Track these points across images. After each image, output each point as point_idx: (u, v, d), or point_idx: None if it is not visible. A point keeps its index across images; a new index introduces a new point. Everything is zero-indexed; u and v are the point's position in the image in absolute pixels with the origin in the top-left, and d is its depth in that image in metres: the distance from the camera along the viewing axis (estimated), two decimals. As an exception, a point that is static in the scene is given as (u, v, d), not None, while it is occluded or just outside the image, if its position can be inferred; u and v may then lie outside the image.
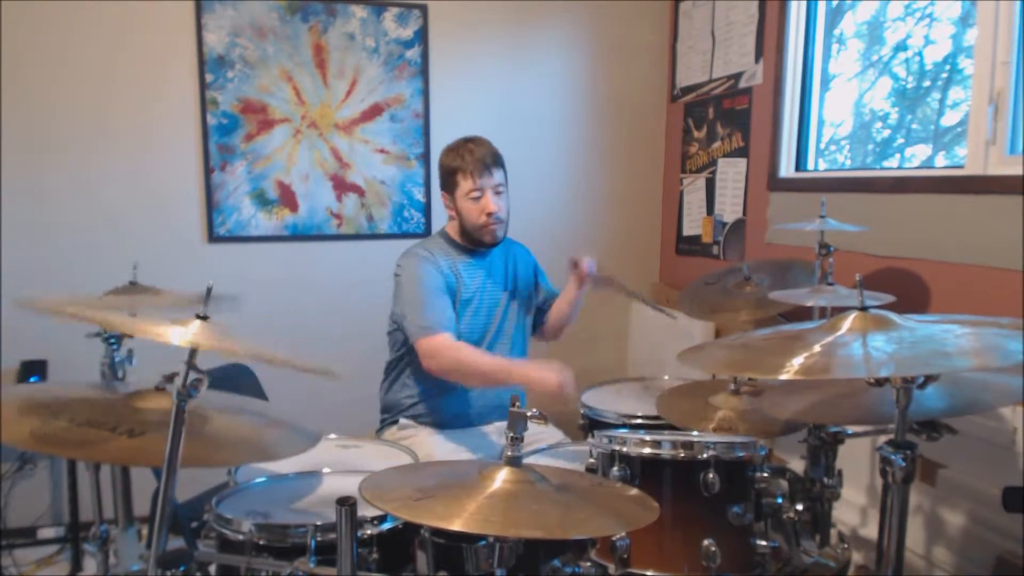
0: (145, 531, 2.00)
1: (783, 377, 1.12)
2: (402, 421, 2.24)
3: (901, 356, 1.14)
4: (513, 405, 1.28)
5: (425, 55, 3.32)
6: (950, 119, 2.45)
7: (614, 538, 1.47)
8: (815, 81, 2.82)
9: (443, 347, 2.04)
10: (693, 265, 3.46)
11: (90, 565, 2.80)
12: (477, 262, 2.26)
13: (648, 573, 1.49)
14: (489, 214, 2.16)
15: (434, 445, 2.15)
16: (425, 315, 2.08)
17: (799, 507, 1.66)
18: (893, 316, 1.24)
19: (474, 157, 2.16)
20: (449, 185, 2.22)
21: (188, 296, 1.88)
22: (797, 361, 1.14)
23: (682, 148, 3.53)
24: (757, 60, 2.97)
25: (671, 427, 1.85)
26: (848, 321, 1.24)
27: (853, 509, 2.28)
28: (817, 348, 1.18)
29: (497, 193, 2.18)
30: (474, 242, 2.23)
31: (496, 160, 2.19)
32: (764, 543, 1.53)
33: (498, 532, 1.17)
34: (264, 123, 3.17)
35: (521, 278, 2.36)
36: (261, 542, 1.44)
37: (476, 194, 2.16)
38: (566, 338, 2.56)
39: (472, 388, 2.22)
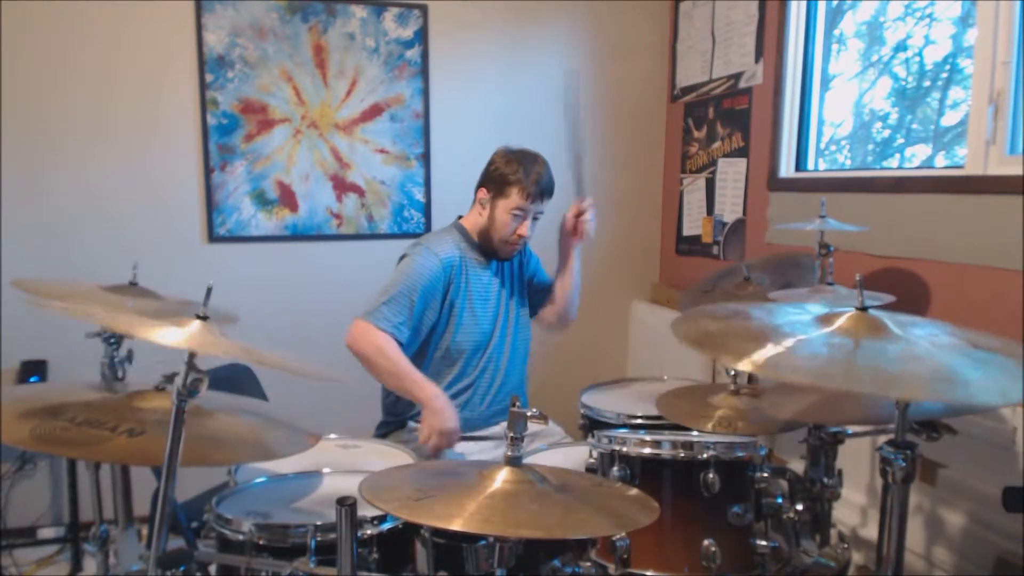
0: (145, 531, 2.00)
1: (748, 369, 1.10)
2: (410, 425, 2.23)
3: (878, 370, 1.11)
4: (513, 405, 1.28)
5: (425, 55, 3.32)
6: (950, 119, 2.45)
7: (614, 538, 1.47)
8: (815, 81, 2.82)
9: (374, 335, 2.04)
10: (693, 265, 3.46)
11: (90, 565, 2.80)
12: (490, 267, 2.26)
13: (648, 573, 1.49)
14: (520, 236, 2.18)
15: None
16: (385, 305, 2.07)
17: (799, 507, 1.66)
18: (888, 322, 1.21)
19: (536, 181, 2.14)
20: (498, 190, 2.17)
21: (187, 303, 1.88)
22: (768, 352, 1.13)
23: (682, 148, 3.53)
24: (757, 60, 2.97)
25: (671, 427, 1.85)
26: (841, 319, 1.22)
27: (853, 509, 2.28)
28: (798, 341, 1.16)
29: (534, 219, 2.20)
30: (488, 247, 2.23)
31: (550, 190, 2.19)
32: (764, 543, 1.53)
33: (498, 532, 1.16)
34: (264, 123, 3.17)
35: (517, 274, 2.37)
36: (261, 542, 1.44)
37: (519, 213, 2.15)
38: (567, 338, 2.55)
39: (477, 391, 2.22)
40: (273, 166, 3.20)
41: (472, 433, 2.20)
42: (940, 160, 2.43)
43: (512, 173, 2.15)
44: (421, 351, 2.19)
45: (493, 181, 2.18)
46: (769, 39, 2.91)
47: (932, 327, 1.26)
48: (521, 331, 2.33)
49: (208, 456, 1.33)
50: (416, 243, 2.22)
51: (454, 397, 2.18)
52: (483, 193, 2.21)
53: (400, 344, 2.08)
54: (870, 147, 2.74)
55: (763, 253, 2.94)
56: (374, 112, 3.29)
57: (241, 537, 1.44)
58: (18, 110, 2.90)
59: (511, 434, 1.27)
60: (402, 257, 2.20)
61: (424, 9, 3.29)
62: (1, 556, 2.87)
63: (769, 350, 1.13)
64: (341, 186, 3.29)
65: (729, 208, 3.19)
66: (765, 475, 1.55)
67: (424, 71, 3.32)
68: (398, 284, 2.10)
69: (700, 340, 1.25)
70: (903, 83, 2.64)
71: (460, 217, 2.31)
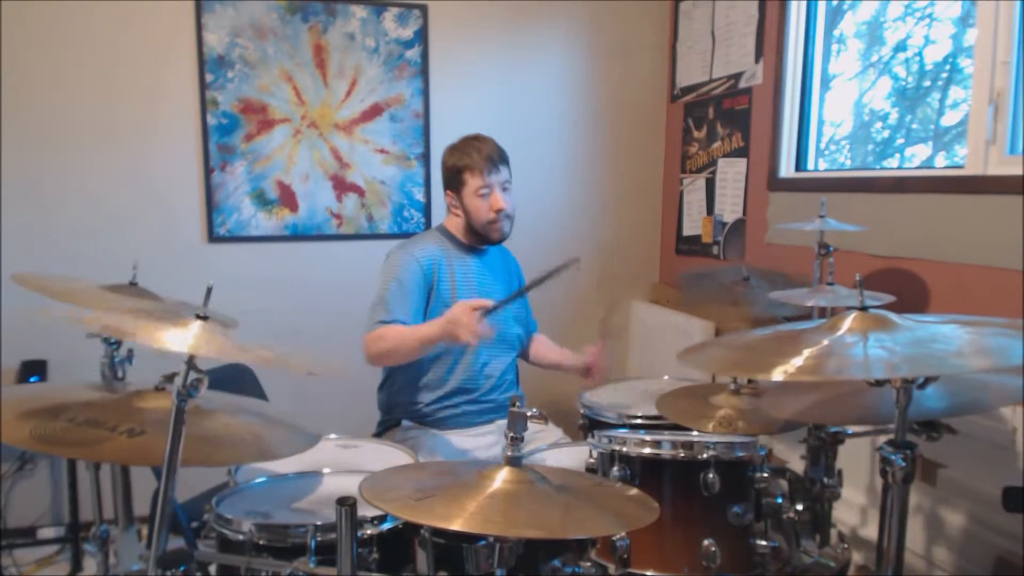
0: (145, 531, 2.00)
1: (781, 378, 1.12)
2: (404, 423, 2.23)
3: (908, 356, 1.13)
4: (513, 405, 1.28)
5: (425, 55, 3.32)
6: (950, 119, 2.45)
7: (614, 538, 1.47)
8: (815, 81, 2.82)
9: (371, 336, 2.01)
10: (693, 265, 3.46)
11: (90, 565, 2.80)
12: (475, 260, 2.26)
13: (648, 573, 1.50)
14: (498, 210, 2.17)
15: (437, 446, 2.14)
16: (377, 308, 2.07)
17: (799, 507, 1.66)
18: (892, 316, 1.24)
19: (481, 155, 2.17)
20: (455, 183, 2.21)
21: (187, 303, 1.88)
22: (797, 361, 1.14)
23: (682, 148, 3.53)
24: (757, 60, 2.97)
25: (671, 427, 1.85)
26: (848, 321, 1.24)
27: (853, 509, 2.28)
28: (819, 348, 1.18)
29: (504, 189, 2.20)
30: (480, 240, 2.23)
31: (502, 157, 2.21)
32: (764, 543, 1.53)
33: (498, 532, 1.17)
34: (264, 123, 3.17)
35: (516, 273, 2.37)
36: (261, 542, 1.44)
37: (484, 191, 2.17)
38: (567, 339, 2.56)
39: (474, 390, 2.21)
40: (273, 166, 3.20)
41: (466, 430, 2.20)
42: (940, 160, 2.43)
43: (457, 161, 2.19)
44: None
45: (448, 179, 2.23)
46: (769, 39, 2.91)
47: (929, 317, 1.28)
48: (510, 336, 2.30)
49: (208, 456, 1.33)
50: (397, 248, 2.23)
51: (451, 393, 2.19)
52: (449, 196, 2.24)
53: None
54: (870, 147, 2.73)
55: (763, 253, 2.94)
56: (374, 112, 3.29)
57: (241, 537, 1.44)
58: (18, 110, 2.89)
59: (511, 434, 1.27)
60: (384, 263, 2.20)
61: (424, 9, 3.29)
62: (1, 556, 2.87)
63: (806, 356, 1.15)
64: (341, 186, 3.29)
65: (729, 208, 3.19)
66: (765, 475, 1.55)
67: (424, 71, 3.32)
68: (382, 283, 2.12)
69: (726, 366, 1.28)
70: (903, 83, 2.64)
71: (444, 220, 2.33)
